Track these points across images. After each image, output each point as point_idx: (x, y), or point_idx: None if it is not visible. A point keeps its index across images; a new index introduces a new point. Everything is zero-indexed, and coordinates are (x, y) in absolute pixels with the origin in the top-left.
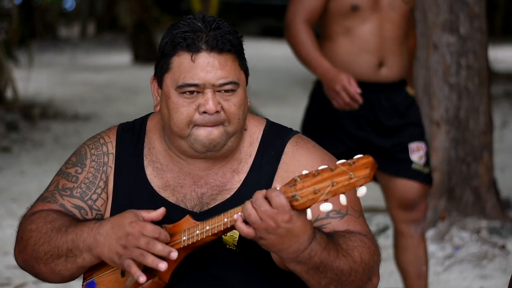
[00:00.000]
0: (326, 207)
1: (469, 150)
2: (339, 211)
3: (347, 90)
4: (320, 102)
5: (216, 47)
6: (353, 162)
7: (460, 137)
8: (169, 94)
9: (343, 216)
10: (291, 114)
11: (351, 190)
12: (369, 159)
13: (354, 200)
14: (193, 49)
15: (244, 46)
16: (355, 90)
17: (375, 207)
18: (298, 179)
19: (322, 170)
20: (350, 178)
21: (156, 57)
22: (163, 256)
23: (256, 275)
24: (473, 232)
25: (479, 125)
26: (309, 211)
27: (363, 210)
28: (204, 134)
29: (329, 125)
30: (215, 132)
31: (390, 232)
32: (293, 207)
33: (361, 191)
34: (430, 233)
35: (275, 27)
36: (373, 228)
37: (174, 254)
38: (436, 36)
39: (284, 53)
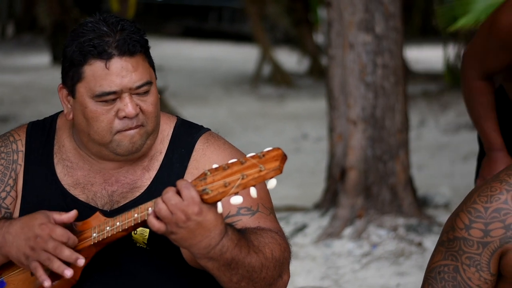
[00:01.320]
0: (236, 200)
1: (385, 148)
2: (250, 208)
3: None
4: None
5: (128, 51)
6: (263, 155)
7: (376, 135)
8: (85, 104)
9: (254, 213)
10: (211, 114)
11: (262, 188)
12: (279, 151)
13: (265, 197)
14: (105, 56)
15: (164, 47)
16: None
17: (293, 206)
18: (209, 173)
19: (232, 163)
20: (260, 171)
21: (63, 64)
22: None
23: (167, 272)
24: (390, 229)
25: (395, 124)
26: (219, 204)
27: (273, 208)
28: (127, 138)
29: None
30: (136, 135)
31: (308, 230)
32: (204, 201)
33: (271, 183)
34: (347, 231)
35: (196, 28)
36: (291, 227)
37: (81, 261)
38: (352, 36)
39: (204, 53)
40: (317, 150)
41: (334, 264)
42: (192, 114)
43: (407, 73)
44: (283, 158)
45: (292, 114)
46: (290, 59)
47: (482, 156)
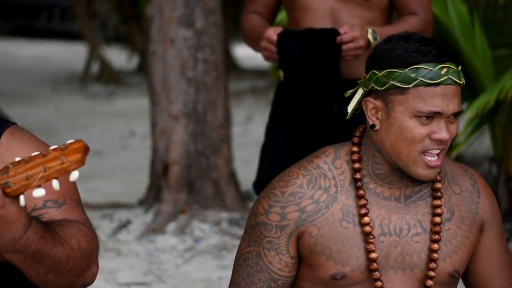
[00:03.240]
0: (39, 193)
1: (208, 143)
2: (56, 200)
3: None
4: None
5: None
6: (65, 147)
7: (198, 130)
8: None
9: (61, 206)
10: (38, 113)
11: (69, 180)
12: (81, 143)
13: (72, 190)
14: None
15: None
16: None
17: (117, 203)
18: (11, 166)
19: (35, 156)
20: (63, 163)
21: None
22: None
23: None
24: (213, 224)
25: (217, 118)
26: (22, 197)
27: (81, 200)
28: None
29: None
30: None
31: (131, 227)
32: (6, 194)
33: (74, 175)
34: (171, 227)
35: (26, 27)
36: (115, 223)
37: None
38: (172, 31)
39: (34, 52)
40: (144, 147)
41: (157, 259)
42: (19, 113)
43: (235, 70)
44: (86, 150)
45: (120, 112)
46: (120, 57)
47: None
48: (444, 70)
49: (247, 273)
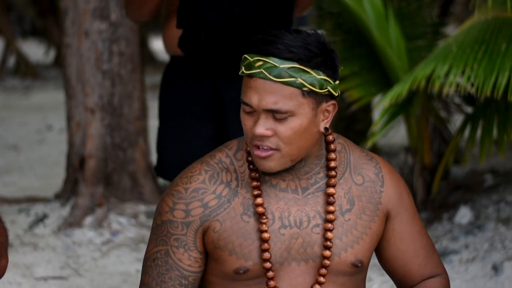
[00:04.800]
0: None
1: (124, 136)
2: None
3: None
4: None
5: None
6: None
7: (115, 123)
8: None
9: None
10: None
11: None
12: None
13: None
14: None
15: None
16: None
17: (34, 197)
18: None
19: None
20: None
21: None
22: None
23: None
24: (131, 217)
25: (133, 111)
26: None
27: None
28: None
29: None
30: None
31: (48, 221)
32: None
33: None
34: (88, 220)
35: None
36: (31, 218)
37: None
38: (87, 24)
39: None
40: (61, 141)
41: (75, 253)
42: None
43: (153, 63)
44: None
45: (37, 106)
46: (37, 51)
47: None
48: (259, 63)
49: (157, 273)
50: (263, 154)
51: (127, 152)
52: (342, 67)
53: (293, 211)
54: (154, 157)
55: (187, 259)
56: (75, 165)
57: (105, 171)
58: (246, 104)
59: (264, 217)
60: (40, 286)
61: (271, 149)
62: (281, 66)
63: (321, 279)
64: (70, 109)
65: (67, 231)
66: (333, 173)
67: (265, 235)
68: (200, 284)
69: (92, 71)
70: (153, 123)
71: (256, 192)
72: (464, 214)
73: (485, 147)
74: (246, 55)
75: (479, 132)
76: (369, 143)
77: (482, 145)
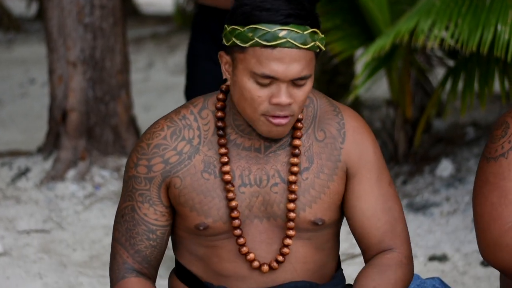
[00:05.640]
0: None
1: (106, 89)
2: None
3: None
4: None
5: None
6: None
7: (97, 77)
8: None
9: None
10: None
11: None
12: None
13: None
14: None
15: None
16: None
17: (16, 150)
18: None
19: None
20: None
21: None
22: None
23: None
24: (113, 170)
25: (115, 65)
26: None
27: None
28: None
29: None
30: None
31: (30, 174)
32: None
33: None
34: (70, 174)
35: None
36: (14, 171)
37: None
38: None
39: None
40: (44, 94)
41: (57, 206)
42: None
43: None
44: None
45: (20, 59)
46: (20, 4)
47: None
48: (283, 32)
49: (126, 229)
50: (284, 121)
51: (109, 105)
52: (324, 21)
53: (253, 170)
54: (136, 111)
55: (152, 214)
56: (57, 118)
57: (87, 124)
58: (267, 77)
59: (229, 176)
60: (23, 240)
61: (289, 115)
62: (305, 32)
63: (290, 232)
64: (51, 62)
65: (49, 185)
66: (299, 124)
67: (231, 194)
68: (172, 237)
69: (74, 25)
70: (136, 77)
71: (222, 151)
72: (445, 167)
73: (466, 100)
74: (255, 26)
75: (460, 85)
76: (351, 97)
77: (464, 98)
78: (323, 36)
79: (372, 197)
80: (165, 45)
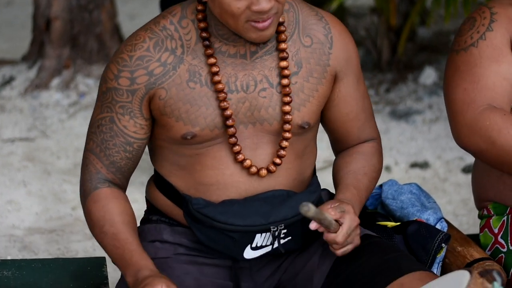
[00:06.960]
0: None
1: None
2: None
3: None
4: None
5: None
6: None
7: None
8: None
9: None
10: None
11: None
12: None
13: None
14: None
15: None
16: None
17: (1, 59)
18: None
19: None
20: None
21: None
22: None
23: None
24: (97, 78)
25: None
26: None
27: None
28: None
29: None
30: None
31: (15, 83)
32: None
33: None
34: (55, 82)
35: None
36: None
37: None
38: None
39: None
40: (29, 3)
41: (42, 114)
42: None
43: None
44: None
45: None
46: None
47: None
48: None
49: (102, 140)
50: (267, 23)
51: (93, 13)
52: None
53: (240, 76)
54: (120, 19)
55: (132, 126)
56: (41, 27)
57: (71, 32)
58: None
59: (221, 85)
60: (7, 148)
61: (272, 16)
62: None
63: (287, 134)
64: None
65: (34, 93)
66: (282, 28)
67: (224, 103)
68: (150, 147)
69: None
70: None
71: (211, 61)
72: (429, 75)
73: (450, 7)
74: None
75: None
76: (335, 4)
77: (448, 5)
78: None
79: (355, 99)
80: None
